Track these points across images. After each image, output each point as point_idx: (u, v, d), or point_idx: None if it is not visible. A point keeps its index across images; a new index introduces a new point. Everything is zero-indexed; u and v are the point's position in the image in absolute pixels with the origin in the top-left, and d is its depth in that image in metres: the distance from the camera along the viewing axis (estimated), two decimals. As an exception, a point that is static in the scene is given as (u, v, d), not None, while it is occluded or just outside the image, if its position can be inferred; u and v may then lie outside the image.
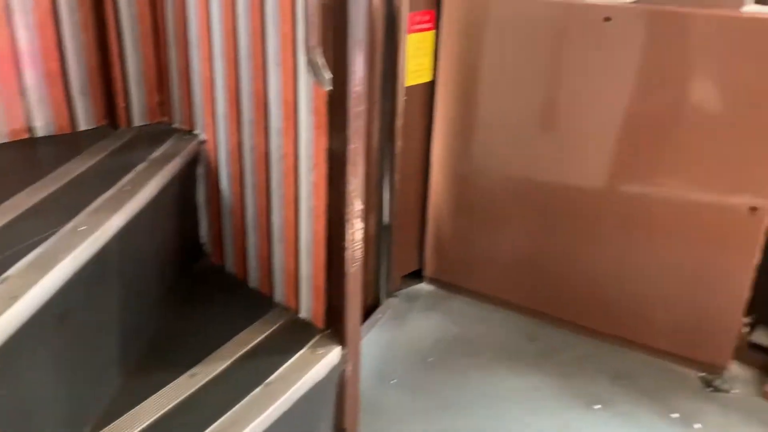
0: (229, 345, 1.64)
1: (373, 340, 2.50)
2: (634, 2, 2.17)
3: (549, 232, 2.53)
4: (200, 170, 1.86)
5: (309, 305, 1.71)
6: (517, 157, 2.52)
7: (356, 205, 1.52)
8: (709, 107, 2.13)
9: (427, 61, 2.55)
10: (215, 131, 1.80)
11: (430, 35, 2.51)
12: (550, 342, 2.52)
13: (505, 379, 2.31)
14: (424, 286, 2.87)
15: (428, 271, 2.86)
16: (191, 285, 1.89)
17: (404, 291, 2.83)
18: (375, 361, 2.39)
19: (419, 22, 2.47)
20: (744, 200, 2.14)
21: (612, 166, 2.34)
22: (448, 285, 2.83)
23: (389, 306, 2.71)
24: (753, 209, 2.13)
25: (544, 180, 2.48)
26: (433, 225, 2.79)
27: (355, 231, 1.54)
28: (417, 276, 2.89)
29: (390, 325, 2.60)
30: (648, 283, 2.38)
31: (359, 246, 1.57)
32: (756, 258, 2.18)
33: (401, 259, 2.77)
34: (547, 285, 2.59)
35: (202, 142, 1.84)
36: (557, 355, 2.45)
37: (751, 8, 2.09)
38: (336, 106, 1.45)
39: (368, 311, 2.66)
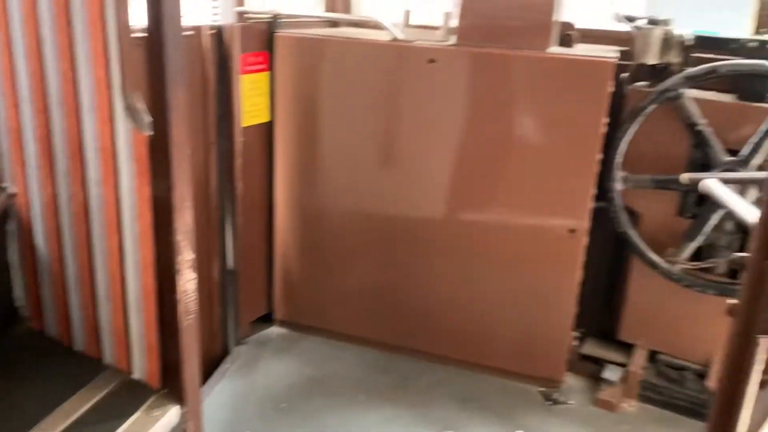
0: (53, 416, 1.49)
1: (223, 392, 2.40)
2: (454, 45, 2.32)
3: (394, 265, 2.58)
4: (11, 227, 1.70)
5: (142, 365, 1.59)
6: (359, 194, 2.56)
7: (187, 254, 1.45)
8: (531, 139, 2.30)
9: (263, 102, 2.54)
10: (26, 183, 1.65)
11: (264, 76, 2.51)
12: (402, 373, 2.55)
13: (360, 415, 2.30)
14: (275, 330, 2.81)
15: (278, 313, 2.81)
16: (6, 353, 1.70)
17: (254, 337, 2.75)
18: (225, 414, 2.28)
19: (252, 63, 2.45)
20: (564, 223, 2.32)
21: (449, 197, 2.45)
22: (299, 326, 2.79)
23: (239, 354, 2.61)
24: (572, 231, 2.31)
25: (387, 214, 2.54)
26: (281, 266, 2.75)
27: (188, 282, 1.47)
28: (267, 320, 2.82)
29: (240, 373, 2.51)
30: (487, 307, 2.50)
31: (193, 298, 1.50)
32: (579, 275, 2.37)
33: (249, 303, 2.69)
34: (396, 317, 2.64)
35: (12, 196, 1.67)
36: (410, 385, 2.49)
37: (554, 49, 2.30)
38: (158, 151, 1.39)
39: (216, 362, 2.55)
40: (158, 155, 1.39)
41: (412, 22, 2.60)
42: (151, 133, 1.38)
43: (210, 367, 2.49)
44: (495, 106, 2.30)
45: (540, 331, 2.45)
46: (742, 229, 2.22)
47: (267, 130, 2.58)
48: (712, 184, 1.51)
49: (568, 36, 2.42)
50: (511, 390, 2.49)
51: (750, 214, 1.25)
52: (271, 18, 2.47)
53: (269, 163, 2.63)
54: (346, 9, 2.90)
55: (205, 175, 2.37)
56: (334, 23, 2.85)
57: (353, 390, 2.44)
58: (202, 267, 2.40)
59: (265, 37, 2.47)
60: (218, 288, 2.52)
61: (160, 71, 1.33)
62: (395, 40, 2.38)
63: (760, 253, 0.87)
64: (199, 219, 2.35)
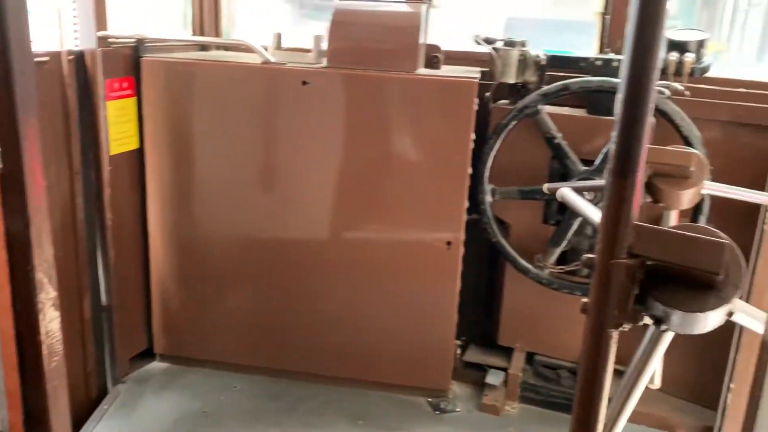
0: None
1: (101, 436, 2.26)
2: (326, 67, 2.35)
3: (278, 289, 2.56)
4: None
5: (3, 415, 1.47)
6: (239, 219, 2.52)
7: (49, 292, 1.36)
8: (405, 157, 2.37)
9: (131, 128, 2.44)
10: None
11: (131, 102, 2.42)
12: (293, 397, 2.53)
13: (250, 446, 2.25)
14: (156, 365, 2.69)
15: (159, 347, 2.69)
16: None
17: (134, 374, 2.61)
18: (104, 459, 2.15)
19: (118, 89, 2.36)
20: (441, 236, 2.41)
21: (328, 217, 2.46)
22: (183, 359, 2.69)
23: (117, 393, 2.47)
24: (449, 243, 2.40)
25: (267, 238, 2.51)
26: (159, 298, 2.64)
27: (51, 321, 1.38)
28: (148, 355, 2.70)
29: (119, 414, 2.37)
30: (373, 323, 2.53)
31: (58, 338, 1.41)
32: (457, 286, 2.46)
33: (127, 339, 2.56)
34: (284, 341, 2.61)
35: None
36: (300, 408, 2.47)
37: (422, 70, 2.40)
38: (11, 185, 1.30)
39: (94, 404, 2.40)
40: (11, 189, 1.30)
41: (283, 45, 2.60)
42: (1, 166, 1.30)
43: (86, 410, 2.34)
44: (369, 125, 2.36)
45: (424, 342, 2.52)
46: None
47: (137, 157, 2.49)
48: (566, 192, 1.63)
49: (435, 58, 2.53)
50: (401, 403, 2.53)
51: (598, 218, 1.37)
52: (135, 42, 2.39)
53: (141, 192, 2.53)
54: (216, 32, 2.86)
55: (71, 207, 2.24)
56: (203, 47, 2.80)
57: (241, 420, 2.38)
58: (71, 304, 2.26)
59: (130, 61, 2.39)
60: (91, 325, 2.38)
61: (9, 100, 1.25)
62: (267, 62, 2.38)
63: (605, 253, 0.95)
64: (65, 254, 2.23)
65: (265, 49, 2.41)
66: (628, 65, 0.86)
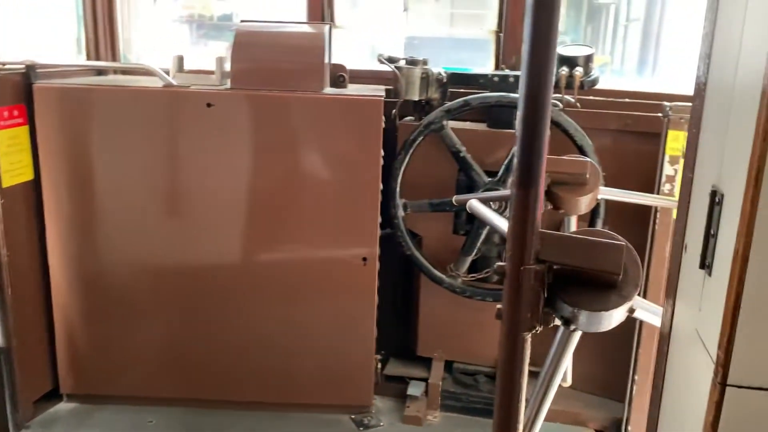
0: None
1: (5, 488, 2.11)
2: (231, 88, 2.33)
3: (192, 317, 2.49)
4: None
5: None
6: (146, 247, 2.44)
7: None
8: (316, 176, 2.38)
9: (24, 158, 2.32)
10: None
11: (23, 131, 2.30)
12: (211, 428, 2.46)
13: (170, 482, 2.17)
14: (63, 406, 2.54)
15: (66, 387, 2.54)
16: None
17: (39, 417, 2.46)
18: None
19: (8, 118, 2.24)
20: (357, 253, 2.43)
21: (242, 240, 2.43)
22: (92, 397, 2.56)
23: (21, 441, 2.32)
24: (365, 259, 2.43)
25: (178, 265, 2.44)
26: (64, 335, 2.50)
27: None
28: (54, 396, 2.55)
29: (25, 463, 2.23)
30: (292, 344, 2.51)
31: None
32: (375, 301, 2.49)
33: (30, 381, 2.41)
34: (200, 370, 2.53)
35: None
36: (221, 439, 2.41)
37: (328, 90, 2.43)
38: None
39: (-6, 455, 2.24)
40: None
41: (185, 67, 2.56)
42: None
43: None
44: (277, 146, 2.35)
45: (345, 360, 2.52)
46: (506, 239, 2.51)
47: (33, 188, 2.36)
48: (474, 204, 1.70)
49: (341, 77, 2.56)
50: (325, 422, 2.52)
51: (505, 227, 1.44)
52: (26, 68, 2.28)
53: (39, 225, 2.40)
54: (113, 56, 2.77)
55: (-40, 245, 2.10)
56: (100, 71, 2.71)
57: (160, 455, 2.29)
58: (-36, 350, 2.11)
59: (20, 89, 2.27)
60: (-12, 371, 2.22)
61: None
62: (169, 85, 2.33)
63: (515, 261, 1.00)
64: (-44, 296, 2.08)
65: (167, 72, 2.36)
66: (525, 85, 0.91)
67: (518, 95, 0.95)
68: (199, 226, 2.42)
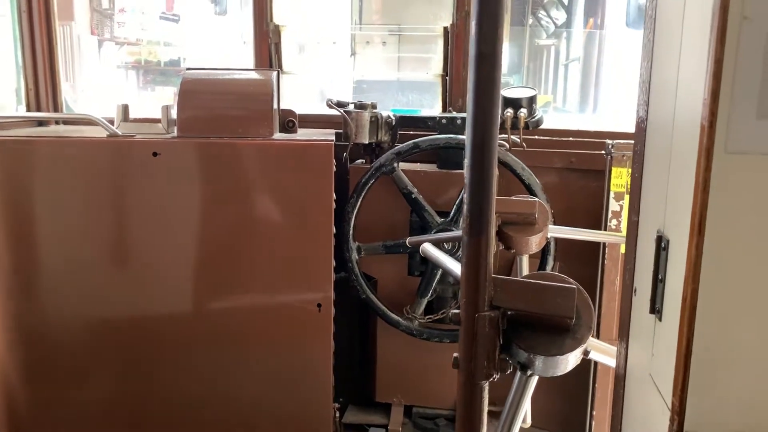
0: None
1: None
2: (178, 137, 2.30)
3: (140, 372, 2.39)
4: None
5: None
6: (92, 303, 2.34)
7: None
8: (267, 222, 2.35)
9: (-40, 215, 2.22)
10: None
11: (-42, 186, 2.20)
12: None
13: None
14: (3, 475, 2.39)
15: (5, 454, 2.40)
16: None
17: (-24, 490, 2.30)
18: None
19: (-58, 173, 2.15)
20: (312, 297, 2.39)
21: (193, 291, 2.37)
22: (34, 464, 2.41)
23: None
24: (319, 305, 2.39)
25: (126, 319, 2.36)
26: (3, 400, 2.36)
27: None
28: (-9, 465, 2.39)
29: None
30: (246, 395, 2.44)
31: None
32: (331, 347, 2.45)
33: (-36, 451, 2.27)
34: (150, 427, 2.43)
35: None
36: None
37: (278, 135, 2.42)
38: None
39: None
40: None
41: (131, 115, 2.51)
42: None
43: None
44: (228, 193, 2.32)
45: (301, 409, 2.46)
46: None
47: (-32, 245, 2.26)
48: (427, 248, 1.70)
49: (290, 122, 2.56)
50: (283, 476, 2.44)
51: (458, 269, 1.44)
52: (-39, 121, 2.20)
53: (-25, 283, 2.29)
54: (55, 106, 2.70)
55: None
56: (41, 122, 2.64)
57: None
58: None
59: (-45, 142, 2.19)
60: None
61: None
62: (113, 135, 2.28)
63: (469, 307, 1.00)
64: None
65: (112, 122, 2.32)
66: (471, 137, 0.92)
67: (465, 139, 0.96)
68: (148, 277, 2.34)
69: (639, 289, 0.85)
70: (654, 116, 0.86)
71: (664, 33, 0.84)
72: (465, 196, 0.98)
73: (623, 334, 0.94)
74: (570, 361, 1.05)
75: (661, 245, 0.74)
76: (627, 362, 0.92)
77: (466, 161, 0.97)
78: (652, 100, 0.85)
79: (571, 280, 1.06)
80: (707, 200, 0.60)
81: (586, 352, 1.08)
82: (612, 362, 1.12)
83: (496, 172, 0.94)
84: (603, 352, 1.14)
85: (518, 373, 1.25)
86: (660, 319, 0.75)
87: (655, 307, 0.76)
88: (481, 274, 0.97)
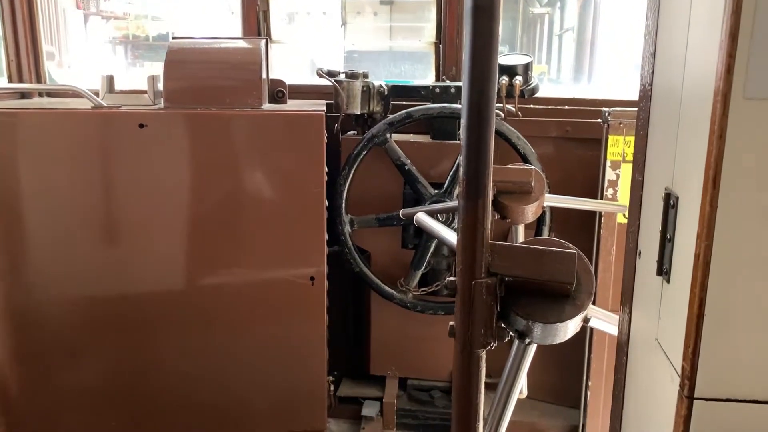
0: None
1: None
2: (164, 108, 2.24)
3: (133, 350, 2.36)
4: None
5: None
6: (81, 280, 2.30)
7: None
8: (258, 195, 2.30)
9: (-59, 190, 2.16)
10: None
11: (-61, 160, 2.14)
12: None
13: None
14: (-6, 453, 2.37)
15: (-4, 432, 2.37)
16: None
17: (-33, 468, 2.28)
18: None
19: None
20: (304, 272, 2.35)
21: (183, 266, 2.32)
22: (25, 442, 2.39)
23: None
24: (312, 279, 2.36)
25: (116, 297, 2.31)
26: (-8, 376, 2.33)
27: None
28: (-17, 443, 2.37)
29: None
30: (241, 373, 2.41)
31: None
32: (325, 321, 2.42)
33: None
34: (143, 407, 2.40)
35: None
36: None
37: (267, 106, 2.36)
38: None
39: None
40: None
41: (116, 88, 2.45)
42: None
43: None
44: (216, 166, 2.26)
45: (296, 384, 2.44)
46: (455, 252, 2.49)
47: (-49, 221, 2.20)
48: (422, 218, 1.66)
49: (280, 93, 2.50)
50: (278, 451, 2.43)
51: (454, 240, 1.40)
52: (-61, 93, 2.13)
53: (-40, 260, 2.24)
54: (38, 78, 2.63)
55: None
56: (24, 94, 2.57)
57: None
58: None
59: (-67, 114, 2.12)
60: None
61: None
62: (98, 107, 2.22)
63: (466, 275, 0.96)
64: None
65: (97, 94, 2.25)
66: (468, 96, 0.88)
67: (461, 106, 0.91)
68: (136, 252, 2.30)
69: (644, 251, 0.82)
70: (661, 69, 0.81)
71: None
72: (461, 159, 0.94)
73: (626, 300, 0.90)
74: (570, 328, 1.02)
75: (670, 203, 0.70)
76: (630, 328, 0.89)
77: (463, 122, 0.93)
78: (659, 53, 0.80)
79: (570, 245, 1.02)
80: (723, 149, 0.56)
81: (586, 320, 1.05)
82: (613, 329, 1.09)
83: (493, 137, 0.90)
84: (604, 319, 1.11)
85: (516, 342, 1.22)
86: (668, 281, 0.71)
87: (663, 269, 0.72)
88: (478, 239, 0.93)
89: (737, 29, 0.54)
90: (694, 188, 0.62)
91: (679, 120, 0.71)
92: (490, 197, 0.94)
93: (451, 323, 0.98)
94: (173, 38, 2.38)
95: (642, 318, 0.83)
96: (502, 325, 1.01)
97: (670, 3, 0.76)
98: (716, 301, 0.61)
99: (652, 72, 0.82)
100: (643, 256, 0.82)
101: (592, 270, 1.10)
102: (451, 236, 1.48)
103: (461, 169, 0.95)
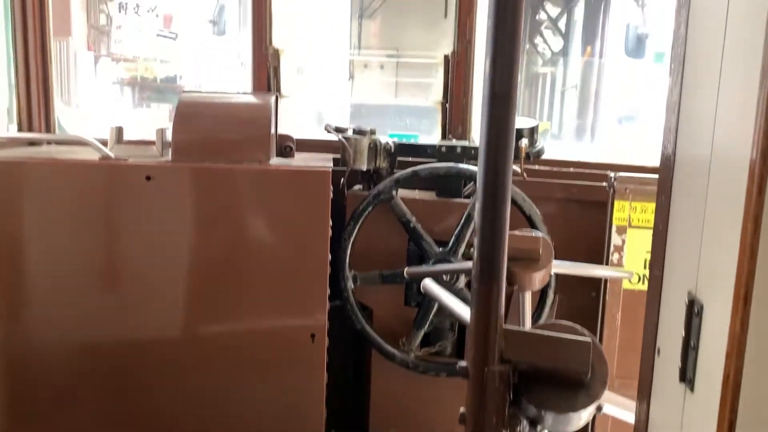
0: None
1: None
2: (172, 161, 2.24)
3: (129, 398, 2.32)
4: None
5: None
6: (79, 324, 2.28)
7: None
8: (262, 248, 2.29)
9: (-56, 237, 2.15)
10: None
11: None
12: None
13: None
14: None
15: (-17, 487, 2.31)
16: None
17: None
18: None
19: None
20: (306, 327, 2.33)
21: (184, 316, 2.30)
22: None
23: None
24: (313, 336, 2.33)
25: (116, 345, 2.29)
26: (-18, 428, 2.28)
27: None
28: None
29: None
30: (236, 422, 2.36)
31: None
32: (324, 378, 2.38)
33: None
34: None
35: None
36: None
37: (275, 161, 2.37)
38: None
39: None
40: None
41: (125, 137, 2.46)
42: None
43: None
44: (222, 219, 2.26)
45: (292, 441, 2.39)
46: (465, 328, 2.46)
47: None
48: (429, 284, 1.65)
49: (287, 147, 2.52)
50: None
51: (465, 314, 1.38)
52: (-51, 141, 2.14)
53: (-42, 307, 2.21)
54: (48, 127, 2.65)
55: None
56: (33, 142, 2.58)
57: None
58: None
59: (-59, 162, 2.13)
60: None
61: None
62: (106, 158, 2.23)
63: (478, 362, 0.94)
64: None
65: (105, 144, 2.26)
66: (483, 184, 0.88)
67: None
68: (140, 303, 2.28)
69: (663, 350, 0.80)
70: (683, 156, 0.80)
71: (698, 59, 0.78)
72: (475, 240, 0.93)
73: (644, 395, 0.88)
74: (582, 417, 0.99)
75: (694, 310, 0.69)
76: (648, 426, 0.87)
77: (478, 205, 0.92)
78: (681, 142, 0.80)
79: (585, 330, 1.01)
80: (754, 268, 0.54)
81: (599, 408, 1.02)
82: (630, 417, 1.07)
83: (507, 222, 0.90)
84: (620, 406, 1.08)
85: (527, 429, 1.19)
86: (692, 390, 0.69)
87: (686, 376, 0.70)
88: (491, 325, 0.92)
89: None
90: (720, 299, 0.60)
91: (704, 217, 0.69)
92: (504, 281, 0.93)
93: (462, 410, 0.96)
94: (184, 92, 2.41)
95: (661, 418, 0.81)
96: (514, 412, 0.98)
97: (695, 73, 0.75)
98: (747, 423, 0.58)
99: (674, 156, 0.81)
100: (662, 354, 0.80)
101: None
102: (460, 308, 1.46)
103: (475, 252, 0.94)
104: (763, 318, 0.55)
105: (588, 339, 0.94)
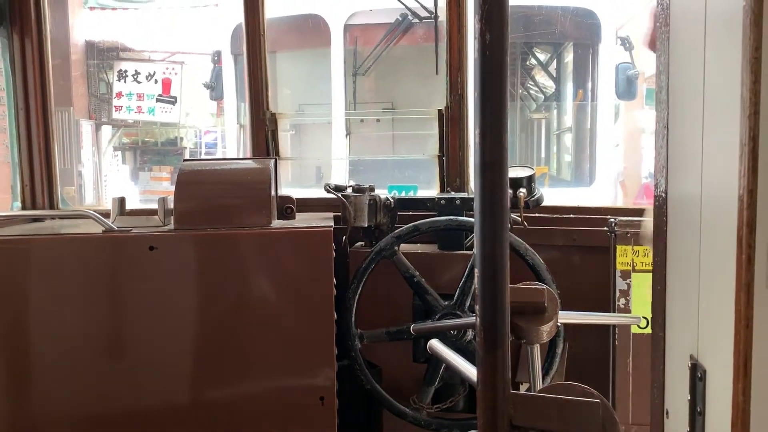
0: None
1: None
2: (174, 230, 2.26)
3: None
4: None
5: None
6: (85, 395, 2.25)
7: None
8: (268, 311, 2.29)
9: (-49, 318, 2.15)
10: None
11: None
12: None
13: None
14: None
15: None
16: None
17: None
18: None
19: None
20: (314, 390, 2.30)
21: (192, 380, 2.28)
22: None
23: None
24: (322, 399, 2.30)
25: (122, 414, 2.26)
26: None
27: None
28: None
29: None
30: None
31: None
32: (336, 442, 2.34)
33: None
34: None
35: None
36: None
37: (276, 223, 2.39)
38: None
39: None
40: None
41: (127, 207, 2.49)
42: None
43: None
44: (226, 284, 2.26)
45: None
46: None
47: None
48: (436, 345, 1.64)
49: (288, 209, 2.54)
50: None
51: (473, 374, 1.37)
52: (-45, 222, 2.17)
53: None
54: (51, 202, 2.68)
55: None
56: (37, 218, 2.61)
57: None
58: None
59: (-51, 243, 2.15)
60: None
61: None
62: (108, 230, 2.25)
63: (488, 428, 0.93)
64: None
65: (107, 216, 2.29)
66: (481, 250, 0.89)
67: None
68: (146, 372, 2.26)
69: (672, 413, 0.79)
70: (675, 221, 0.82)
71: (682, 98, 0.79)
72: (477, 307, 0.93)
73: (657, 458, 0.87)
74: (597, 480, 0.98)
75: (697, 375, 0.69)
76: (664, 488, 0.85)
77: (477, 271, 0.93)
78: (671, 211, 0.81)
79: (593, 391, 1.00)
80: (751, 338, 0.55)
81: (612, 468, 1.01)
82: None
83: (508, 285, 0.90)
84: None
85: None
86: (703, 457, 0.69)
87: (696, 442, 0.70)
88: (499, 392, 0.91)
89: (754, 216, 0.55)
90: (722, 365, 0.60)
91: (700, 278, 0.70)
92: (509, 347, 0.93)
93: (475, 478, 0.94)
94: (185, 161, 2.44)
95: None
96: (527, 478, 0.97)
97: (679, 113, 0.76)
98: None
99: (666, 223, 0.82)
100: (671, 416, 0.79)
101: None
102: (468, 369, 1.45)
103: (477, 318, 0.94)
104: (763, 386, 0.56)
105: (597, 400, 0.93)
